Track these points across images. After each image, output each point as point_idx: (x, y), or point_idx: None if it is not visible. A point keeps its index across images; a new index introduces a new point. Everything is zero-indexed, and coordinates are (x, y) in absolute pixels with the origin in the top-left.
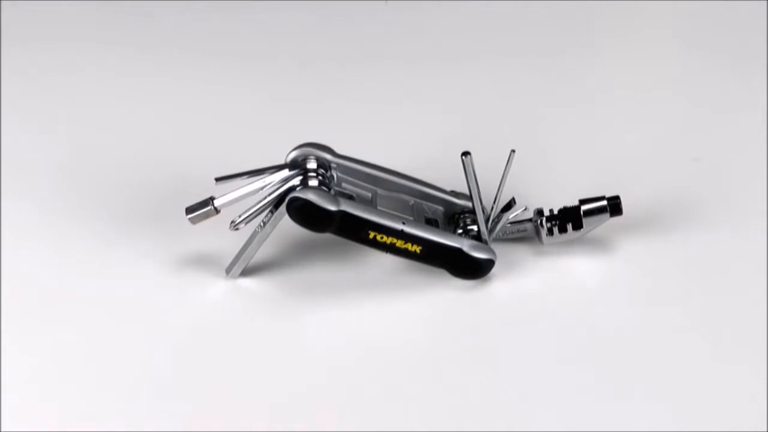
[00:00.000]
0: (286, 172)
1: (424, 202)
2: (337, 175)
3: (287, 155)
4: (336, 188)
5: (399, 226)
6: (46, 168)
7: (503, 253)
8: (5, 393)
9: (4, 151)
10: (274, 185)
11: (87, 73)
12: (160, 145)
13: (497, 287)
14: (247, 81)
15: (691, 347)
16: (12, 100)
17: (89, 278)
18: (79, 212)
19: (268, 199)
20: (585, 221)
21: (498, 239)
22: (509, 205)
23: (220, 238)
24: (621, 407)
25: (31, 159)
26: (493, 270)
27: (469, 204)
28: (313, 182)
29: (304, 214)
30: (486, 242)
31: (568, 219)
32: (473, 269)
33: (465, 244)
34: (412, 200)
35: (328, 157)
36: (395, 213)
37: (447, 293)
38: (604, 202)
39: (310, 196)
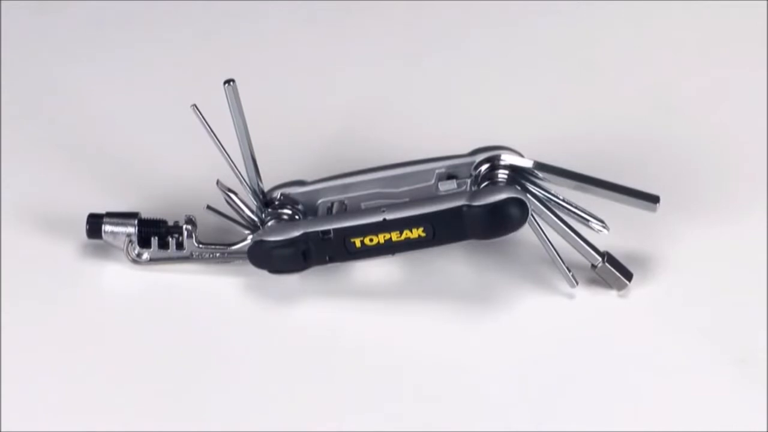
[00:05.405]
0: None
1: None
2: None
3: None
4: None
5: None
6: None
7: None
8: (5, 393)
9: None
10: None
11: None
12: (154, 144)
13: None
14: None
15: (697, 349)
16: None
17: (83, 279)
18: (69, 211)
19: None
20: None
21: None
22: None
23: None
24: (625, 409)
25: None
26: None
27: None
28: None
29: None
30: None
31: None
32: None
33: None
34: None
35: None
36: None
37: (451, 297)
38: None
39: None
